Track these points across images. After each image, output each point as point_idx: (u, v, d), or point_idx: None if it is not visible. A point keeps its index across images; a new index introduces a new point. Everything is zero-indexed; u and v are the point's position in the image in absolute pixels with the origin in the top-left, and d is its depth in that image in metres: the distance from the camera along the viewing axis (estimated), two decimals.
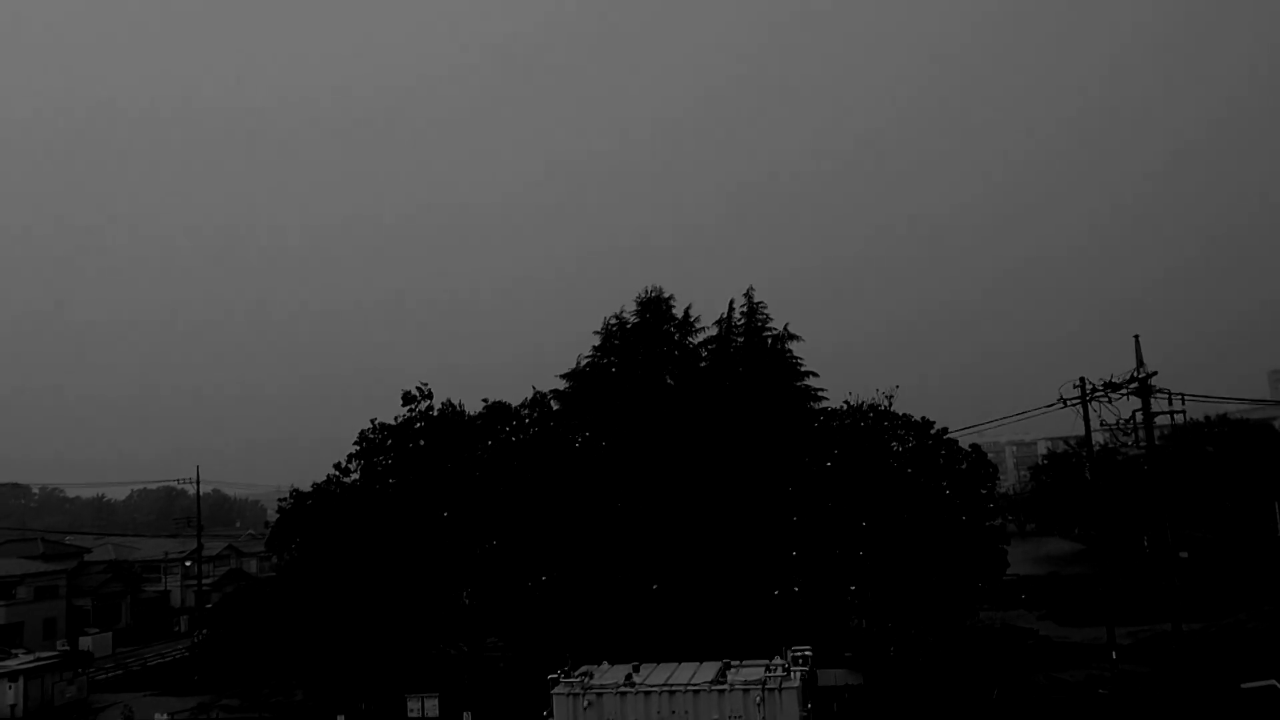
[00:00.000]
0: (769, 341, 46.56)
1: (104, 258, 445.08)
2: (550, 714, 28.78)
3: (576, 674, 29.59)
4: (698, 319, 46.84)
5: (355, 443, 44.58)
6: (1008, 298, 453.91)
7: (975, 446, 47.04)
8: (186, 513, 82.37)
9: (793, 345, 46.50)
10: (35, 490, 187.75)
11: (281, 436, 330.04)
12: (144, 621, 77.21)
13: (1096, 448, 48.23)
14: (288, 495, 45.75)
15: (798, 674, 28.24)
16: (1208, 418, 72.66)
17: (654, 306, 46.53)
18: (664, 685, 28.20)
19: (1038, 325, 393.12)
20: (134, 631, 74.32)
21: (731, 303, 47.43)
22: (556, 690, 28.84)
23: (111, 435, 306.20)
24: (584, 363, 46.93)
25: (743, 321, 47.08)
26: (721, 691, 27.61)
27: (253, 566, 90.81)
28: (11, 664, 47.37)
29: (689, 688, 27.86)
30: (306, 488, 45.19)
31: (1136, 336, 36.03)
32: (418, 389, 45.19)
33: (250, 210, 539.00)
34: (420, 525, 41.19)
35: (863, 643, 42.44)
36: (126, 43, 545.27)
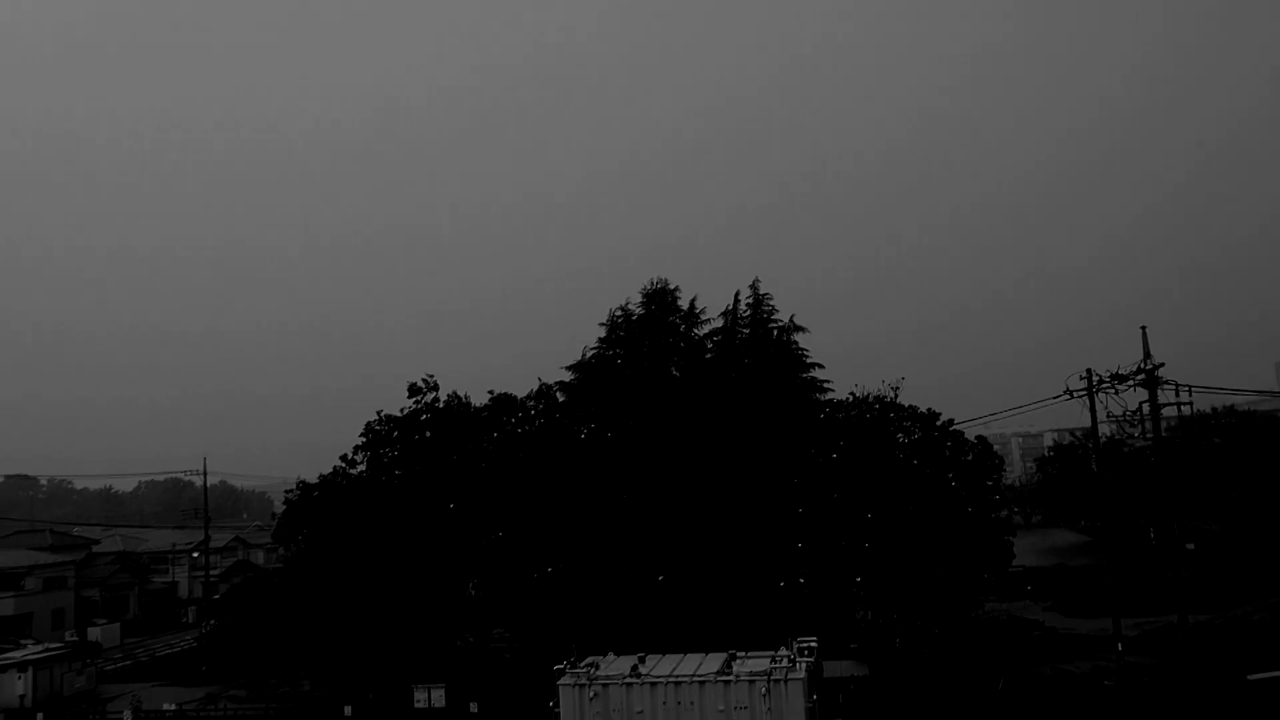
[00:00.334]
0: (775, 333, 46.21)
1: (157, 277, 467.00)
2: (556, 705, 28.87)
3: (582, 665, 29.68)
4: (703, 311, 46.47)
5: (361, 434, 44.64)
6: (1022, 302, 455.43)
7: (981, 438, 46.98)
8: (194, 504, 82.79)
9: (799, 337, 46.20)
10: (43, 482, 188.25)
11: (293, 436, 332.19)
12: (152, 612, 77.68)
13: (1103, 439, 48.16)
14: (294, 487, 45.77)
15: (803, 665, 28.29)
16: (1215, 409, 72.52)
17: (659, 298, 46.17)
18: (670, 676, 28.27)
19: (1049, 328, 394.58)
20: (142, 622, 74.71)
21: (737, 294, 47.01)
22: (563, 681, 28.94)
23: (136, 435, 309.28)
24: (589, 354, 46.63)
25: (748, 313, 46.73)
26: (727, 683, 27.69)
27: (260, 558, 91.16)
28: (20, 654, 47.71)
29: (695, 679, 27.94)
30: (313, 480, 45.30)
31: (1144, 328, 35.81)
32: (423, 380, 45.20)
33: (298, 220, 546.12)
34: (426, 517, 41.24)
35: (868, 634, 42.42)
36: (144, 63, 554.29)
